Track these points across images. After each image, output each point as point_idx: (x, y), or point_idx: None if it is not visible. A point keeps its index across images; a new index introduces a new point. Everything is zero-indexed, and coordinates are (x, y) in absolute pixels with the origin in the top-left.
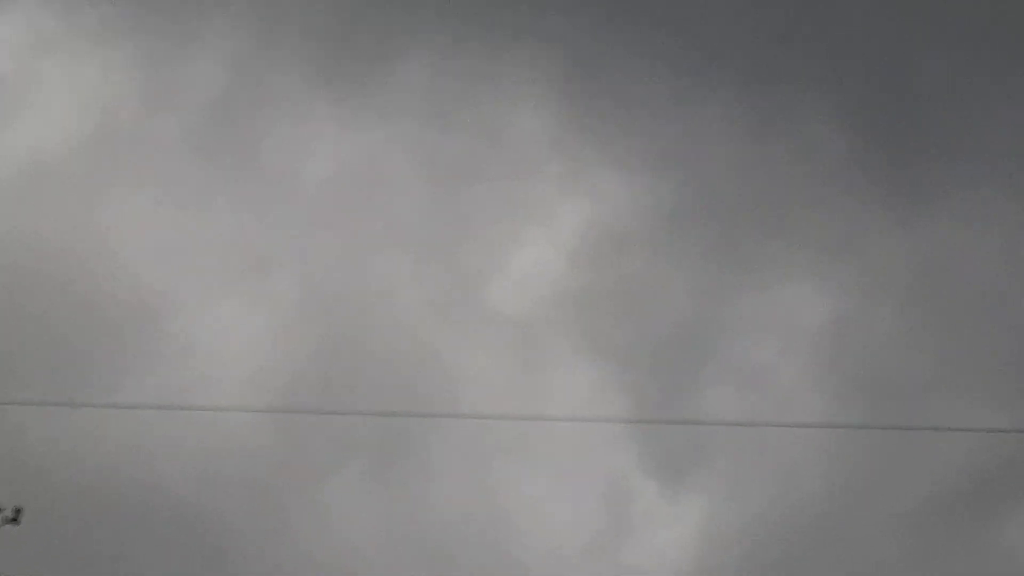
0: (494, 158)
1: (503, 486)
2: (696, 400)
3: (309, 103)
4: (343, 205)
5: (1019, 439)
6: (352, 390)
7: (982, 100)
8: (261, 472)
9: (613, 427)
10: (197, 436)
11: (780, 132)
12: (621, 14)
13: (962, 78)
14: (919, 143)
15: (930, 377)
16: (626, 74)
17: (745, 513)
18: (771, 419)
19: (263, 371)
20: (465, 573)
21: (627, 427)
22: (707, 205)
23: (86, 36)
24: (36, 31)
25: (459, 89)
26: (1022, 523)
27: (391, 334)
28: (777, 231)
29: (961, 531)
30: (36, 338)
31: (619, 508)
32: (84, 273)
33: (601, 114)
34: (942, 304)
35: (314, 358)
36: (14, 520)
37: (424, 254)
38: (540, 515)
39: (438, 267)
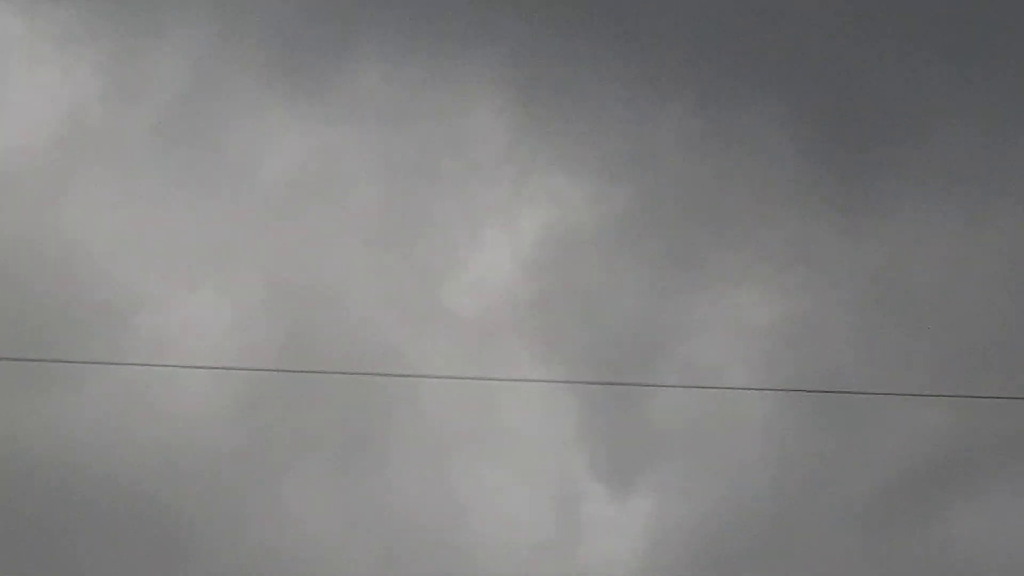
0: (449, 160)
1: (459, 484)
2: (648, 402)
3: (268, 101)
4: (302, 201)
5: (961, 435)
6: (313, 385)
7: (931, 116)
8: (221, 466)
9: (566, 431)
10: (157, 430)
11: (733, 142)
12: (578, 22)
13: (912, 94)
14: (869, 156)
15: (877, 378)
16: (581, 81)
17: (695, 513)
18: (722, 419)
19: (227, 365)
20: (420, 566)
21: (580, 431)
22: (661, 212)
23: (48, 38)
24: None
25: (415, 91)
26: (966, 515)
27: (350, 330)
28: (729, 238)
29: (909, 524)
30: None
31: (572, 508)
32: (48, 270)
33: (556, 120)
34: (890, 308)
35: (277, 353)
36: None
37: (380, 252)
38: (494, 512)
39: (394, 265)
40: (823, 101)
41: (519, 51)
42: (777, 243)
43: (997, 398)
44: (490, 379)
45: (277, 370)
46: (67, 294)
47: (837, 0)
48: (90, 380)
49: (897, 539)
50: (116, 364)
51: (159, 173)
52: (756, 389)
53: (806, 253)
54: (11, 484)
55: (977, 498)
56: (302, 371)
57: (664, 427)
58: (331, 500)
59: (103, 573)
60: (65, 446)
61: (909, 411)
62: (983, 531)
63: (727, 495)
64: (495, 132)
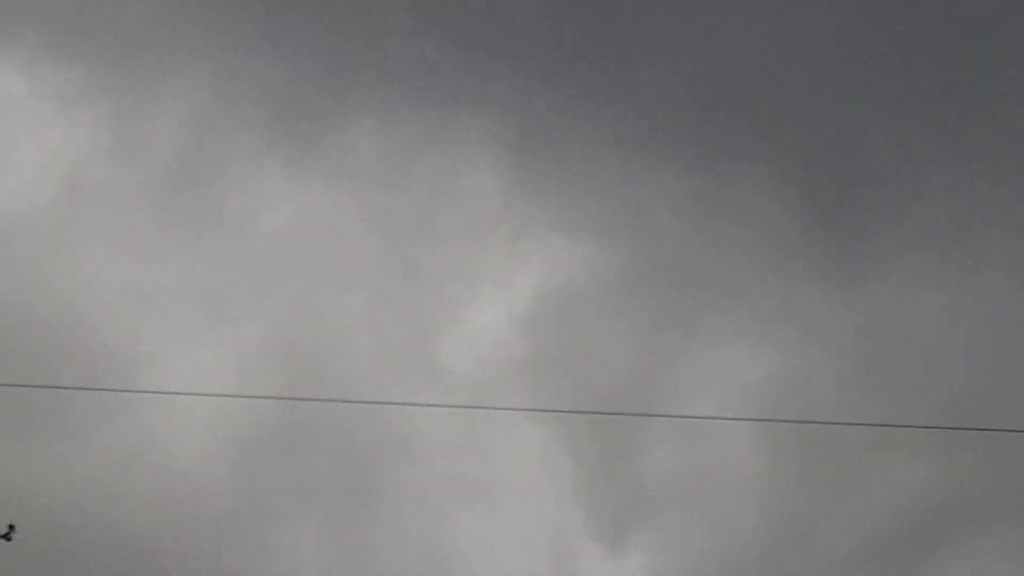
0: (444, 219)
1: (454, 538)
2: (640, 460)
3: (265, 160)
4: (299, 258)
5: (946, 488)
6: (310, 438)
7: (920, 173)
8: (218, 517)
9: (561, 489)
10: (156, 482)
11: (724, 205)
12: (572, 87)
13: (899, 160)
14: (860, 213)
15: (866, 434)
16: (575, 144)
17: (687, 567)
18: (713, 476)
19: (229, 419)
20: None
21: (574, 490)
22: (653, 272)
23: (50, 98)
24: (1, 92)
25: (410, 150)
26: (950, 565)
27: (347, 385)
28: (721, 298)
29: (894, 573)
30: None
31: (566, 563)
32: (51, 327)
33: (551, 180)
34: (880, 365)
35: (276, 404)
36: (5, 536)
37: (377, 309)
38: (488, 566)
39: (390, 321)
40: (813, 166)
41: (513, 113)
42: (767, 303)
43: (984, 430)
44: (480, 407)
45: (281, 397)
46: (71, 348)
47: (826, 68)
48: (92, 433)
49: None
50: (128, 392)
51: (159, 230)
52: (731, 419)
53: (796, 313)
54: (17, 530)
55: (961, 549)
56: (311, 399)
57: (656, 484)
58: (328, 549)
59: None
60: (66, 495)
61: (895, 465)
62: None
63: (717, 549)
64: (489, 192)
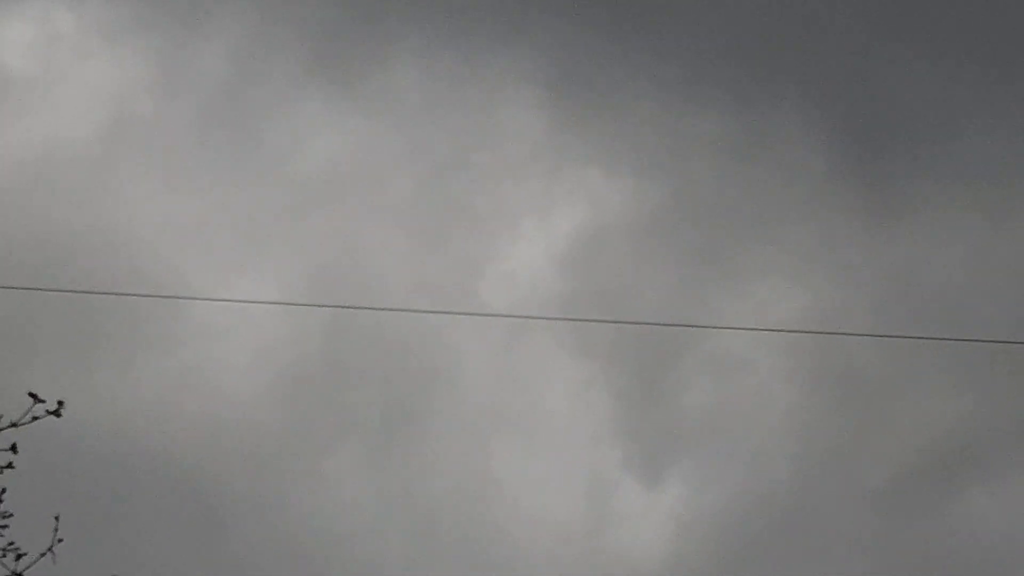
0: (483, 153)
1: (494, 467)
2: (677, 395)
3: (307, 93)
4: (340, 190)
5: (976, 421)
6: (355, 365)
7: (953, 120)
8: (264, 444)
9: (599, 423)
10: (204, 407)
11: (761, 143)
12: (611, 23)
13: (935, 99)
14: (894, 159)
15: (894, 372)
16: (614, 80)
17: (720, 499)
18: (746, 409)
19: (272, 349)
20: (454, 543)
21: (612, 424)
22: (691, 209)
23: (96, 32)
24: (50, 28)
25: (449, 85)
26: (980, 498)
27: (388, 315)
28: (757, 236)
29: (925, 507)
30: (52, 320)
31: (603, 496)
32: (98, 259)
33: (588, 117)
34: (910, 305)
35: (320, 335)
36: (56, 413)
37: (416, 241)
38: (530, 498)
39: (429, 255)
40: (849, 106)
41: (552, 49)
42: (802, 242)
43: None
44: (525, 317)
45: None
46: (118, 279)
47: (864, 9)
48: (143, 358)
49: (913, 521)
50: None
51: (203, 162)
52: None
53: (830, 252)
54: (65, 455)
55: (990, 482)
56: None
57: (693, 419)
58: (369, 478)
59: (148, 540)
60: (117, 420)
61: (925, 398)
62: (996, 513)
63: (751, 482)
64: (528, 128)
